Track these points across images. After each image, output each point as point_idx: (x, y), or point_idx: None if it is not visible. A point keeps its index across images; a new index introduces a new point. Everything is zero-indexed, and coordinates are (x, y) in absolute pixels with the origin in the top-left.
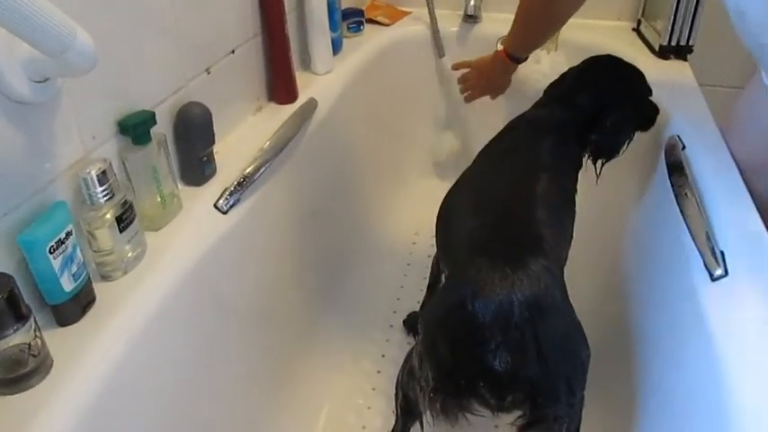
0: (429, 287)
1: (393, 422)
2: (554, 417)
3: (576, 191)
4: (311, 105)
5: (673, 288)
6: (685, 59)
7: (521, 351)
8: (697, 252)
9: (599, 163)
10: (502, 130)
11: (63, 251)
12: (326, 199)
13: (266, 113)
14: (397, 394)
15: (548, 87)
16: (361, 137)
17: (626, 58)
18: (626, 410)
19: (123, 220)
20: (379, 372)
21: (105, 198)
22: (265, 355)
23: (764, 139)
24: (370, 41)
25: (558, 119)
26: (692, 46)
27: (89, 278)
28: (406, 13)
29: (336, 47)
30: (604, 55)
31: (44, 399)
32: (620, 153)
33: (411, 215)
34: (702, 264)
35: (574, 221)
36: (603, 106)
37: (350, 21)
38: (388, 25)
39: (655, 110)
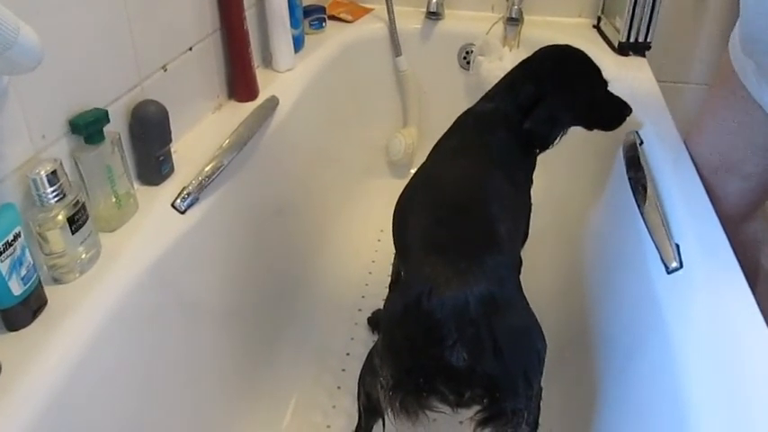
0: (391, 285)
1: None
2: (512, 410)
3: (530, 182)
4: (272, 103)
5: (631, 281)
6: (644, 56)
7: (477, 347)
8: (653, 245)
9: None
10: (451, 126)
11: (11, 254)
12: (288, 197)
13: (226, 111)
14: (359, 393)
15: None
16: (323, 135)
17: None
18: (587, 402)
19: (75, 221)
20: (344, 370)
21: (56, 199)
22: (229, 355)
23: (731, 140)
24: (332, 39)
25: (504, 111)
26: (650, 42)
27: (40, 281)
28: (369, 10)
29: (298, 44)
30: (555, 45)
31: None
32: (554, 144)
33: (376, 212)
34: (659, 257)
35: (529, 215)
36: (541, 96)
37: (311, 17)
38: (350, 22)
39: (622, 106)
